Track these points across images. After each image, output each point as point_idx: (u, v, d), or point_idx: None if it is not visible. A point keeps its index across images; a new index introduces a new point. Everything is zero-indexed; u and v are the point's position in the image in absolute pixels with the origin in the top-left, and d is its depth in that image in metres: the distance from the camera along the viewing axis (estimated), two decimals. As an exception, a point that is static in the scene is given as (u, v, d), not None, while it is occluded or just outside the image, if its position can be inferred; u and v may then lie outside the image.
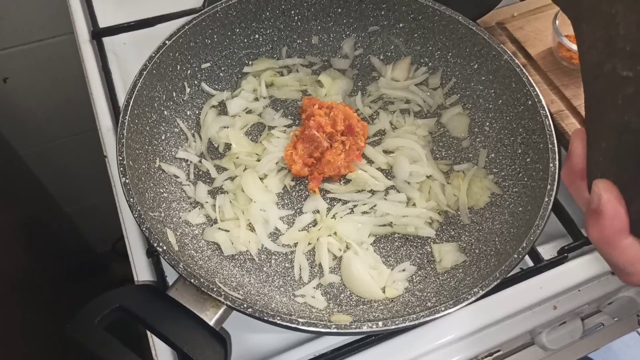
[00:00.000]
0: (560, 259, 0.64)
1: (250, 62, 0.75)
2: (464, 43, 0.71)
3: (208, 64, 0.71)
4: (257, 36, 0.74)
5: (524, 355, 0.77)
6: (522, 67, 0.65)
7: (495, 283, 0.50)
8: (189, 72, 0.69)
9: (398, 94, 0.75)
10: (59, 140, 1.38)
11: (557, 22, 0.73)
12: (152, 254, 0.62)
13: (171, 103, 0.67)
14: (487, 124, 0.70)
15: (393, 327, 0.47)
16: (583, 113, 0.69)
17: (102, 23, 0.84)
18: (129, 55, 0.83)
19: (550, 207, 0.55)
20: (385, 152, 0.70)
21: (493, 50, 0.68)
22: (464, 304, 0.49)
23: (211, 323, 0.48)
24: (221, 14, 0.69)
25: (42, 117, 1.29)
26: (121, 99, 0.76)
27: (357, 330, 0.47)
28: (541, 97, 0.63)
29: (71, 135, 1.38)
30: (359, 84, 0.77)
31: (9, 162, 1.28)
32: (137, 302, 0.48)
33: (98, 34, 0.82)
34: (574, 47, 0.71)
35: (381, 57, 0.77)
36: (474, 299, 0.49)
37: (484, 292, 0.49)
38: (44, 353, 1.11)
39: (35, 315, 1.14)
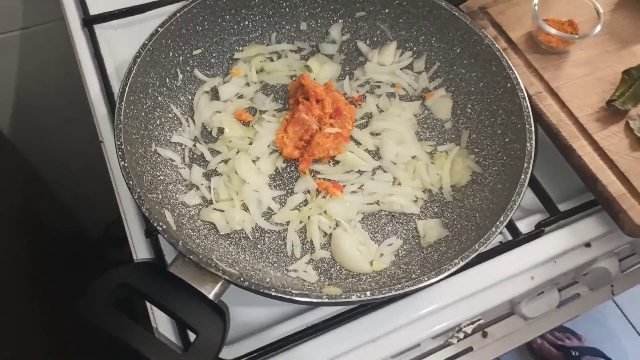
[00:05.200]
0: (537, 233, 0.68)
1: (240, 48, 0.77)
2: (447, 28, 0.74)
3: (199, 51, 0.73)
4: (246, 22, 0.76)
5: (505, 324, 0.82)
6: (502, 51, 0.68)
7: (474, 255, 0.54)
8: (181, 58, 0.71)
9: (384, 78, 0.78)
10: (50, 128, 1.38)
11: (536, 7, 0.76)
12: (150, 234, 0.65)
13: (165, 89, 0.70)
14: (469, 106, 0.73)
15: (380, 296, 0.51)
16: (561, 95, 0.73)
17: (93, 10, 0.85)
18: (121, 42, 0.85)
19: (526, 183, 0.58)
20: (372, 134, 0.73)
21: (474, 35, 0.71)
22: (445, 274, 0.52)
23: (210, 296, 0.51)
24: (211, 1, 0.71)
25: (32, 104, 1.29)
26: (114, 85, 0.77)
27: (347, 300, 0.50)
28: (519, 80, 0.66)
29: (62, 122, 1.39)
30: (347, 69, 0.79)
31: (2, 151, 1.29)
32: (140, 279, 0.51)
33: (89, 22, 0.83)
34: (553, 31, 0.74)
35: (368, 42, 0.80)
36: (454, 269, 0.53)
37: (464, 263, 0.53)
38: (43, 340, 1.13)
39: (33, 303, 1.16)
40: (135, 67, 0.63)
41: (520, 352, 1.62)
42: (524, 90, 0.66)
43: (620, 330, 1.73)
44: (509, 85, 0.67)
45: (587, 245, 0.71)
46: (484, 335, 0.80)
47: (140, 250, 0.66)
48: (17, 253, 1.17)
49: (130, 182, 0.55)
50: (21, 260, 1.18)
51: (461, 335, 0.71)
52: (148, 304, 0.59)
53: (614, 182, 0.66)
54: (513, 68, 0.67)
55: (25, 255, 1.21)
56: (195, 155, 0.70)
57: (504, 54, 0.68)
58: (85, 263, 1.59)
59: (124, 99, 0.61)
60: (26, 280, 1.17)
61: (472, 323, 0.69)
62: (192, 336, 0.55)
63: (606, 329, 1.72)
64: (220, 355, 0.53)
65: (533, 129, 0.63)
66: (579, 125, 0.71)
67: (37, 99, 1.28)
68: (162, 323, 0.60)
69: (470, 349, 0.79)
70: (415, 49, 0.78)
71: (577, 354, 1.55)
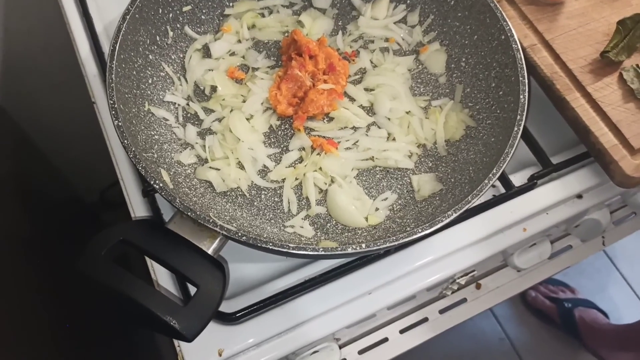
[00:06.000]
0: (530, 185, 0.69)
1: (231, 4, 0.76)
2: (441, -21, 0.72)
3: (189, 7, 0.72)
4: (236, -23, 0.75)
5: (498, 275, 0.84)
6: (496, 3, 0.68)
7: (467, 207, 0.54)
8: (170, 15, 0.70)
9: (378, 33, 0.77)
10: (41, 92, 1.37)
11: (531, -44, 0.75)
12: (147, 193, 0.66)
13: (155, 47, 0.69)
14: (463, 59, 0.73)
15: (375, 248, 0.52)
16: (555, 47, 0.72)
17: (78, -33, 0.83)
18: (109, 0, 0.83)
19: (519, 136, 0.59)
20: (366, 89, 0.73)
21: (468, -14, 0.69)
22: (438, 226, 0.53)
23: (209, 252, 0.52)
24: (200, -45, 0.69)
25: (21, 67, 1.27)
26: (104, 44, 0.76)
27: (343, 252, 0.52)
28: (514, 31, 0.66)
29: (53, 87, 1.37)
30: (340, 24, 0.78)
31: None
32: (139, 235, 0.51)
33: (75, -21, 0.81)
34: (548, -19, 0.73)
35: (360, -4, 0.78)
36: (447, 221, 0.54)
37: (457, 214, 0.54)
38: (39, 305, 1.14)
39: (28, 267, 1.17)
40: (124, 25, 0.62)
41: (514, 304, 1.67)
42: (518, 42, 0.65)
43: (612, 283, 1.77)
44: (502, 37, 0.66)
45: (579, 196, 0.72)
46: (478, 287, 0.82)
47: (138, 210, 0.67)
48: (10, 218, 1.17)
49: (125, 141, 0.55)
50: (14, 225, 1.18)
51: (455, 287, 0.73)
52: (148, 260, 0.60)
53: (606, 133, 0.67)
54: (507, 19, 0.66)
55: (19, 220, 1.22)
56: (189, 114, 0.70)
57: (497, 5, 0.67)
58: (81, 227, 1.61)
59: (115, 57, 0.60)
60: (20, 244, 1.17)
61: (466, 275, 0.71)
62: (192, 290, 0.56)
63: (598, 281, 1.76)
64: (220, 309, 0.55)
65: (526, 81, 0.63)
66: (572, 77, 0.70)
67: (26, 61, 1.26)
68: (162, 277, 0.61)
69: (464, 300, 0.81)
70: (408, 1, 0.77)
71: (570, 305, 1.60)
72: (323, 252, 0.51)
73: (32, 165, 1.47)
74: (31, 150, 1.46)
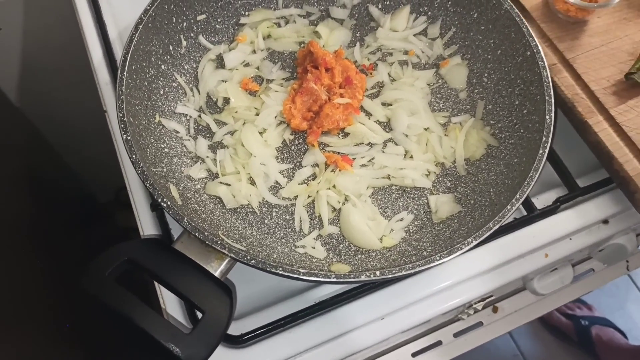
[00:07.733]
0: (553, 209, 0.66)
1: (246, 13, 0.74)
2: (464, -9, 0.70)
3: (204, 16, 0.70)
4: (253, -15, 0.73)
5: (516, 299, 0.81)
6: (521, 17, 0.65)
7: (488, 233, 0.52)
8: (184, 24, 0.68)
9: (397, 45, 0.74)
10: (57, 91, 1.37)
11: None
12: (156, 207, 0.64)
13: (168, 57, 0.67)
14: (486, 74, 0.70)
15: (390, 276, 0.49)
16: (576, 67, 0.69)
17: (94, -28, 0.81)
18: (123, 6, 0.81)
19: (544, 159, 0.56)
20: (384, 104, 0.71)
21: (493, -1, 0.67)
22: (457, 254, 0.51)
23: (216, 274, 0.50)
24: (216, -37, 0.67)
25: (38, 67, 1.27)
26: (117, 51, 0.75)
27: (356, 279, 0.49)
28: (540, 48, 0.63)
29: (68, 86, 1.37)
30: (357, 35, 0.76)
31: (6, 114, 1.28)
32: (145, 255, 0.50)
33: (90, -16, 0.80)
34: (573, -1, 0.70)
35: (380, 7, 0.76)
36: (467, 248, 0.51)
37: (477, 242, 0.51)
38: (50, 299, 1.14)
39: (41, 264, 1.17)
40: (137, 35, 0.60)
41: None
42: (544, 59, 0.62)
43: (631, 301, 1.72)
44: (528, 53, 0.64)
45: (605, 222, 0.68)
46: (495, 310, 0.79)
47: (146, 223, 0.65)
48: (20, 214, 1.17)
49: (134, 156, 0.54)
50: (24, 222, 1.18)
51: (471, 311, 0.70)
52: (156, 283, 0.58)
53: (631, 160, 0.63)
54: (533, 35, 0.64)
55: (29, 217, 1.21)
56: (200, 127, 0.68)
57: (523, 20, 0.65)
58: (94, 226, 1.61)
59: (126, 68, 0.59)
60: (28, 242, 1.17)
61: (483, 300, 0.68)
62: (199, 314, 0.54)
63: (617, 298, 1.71)
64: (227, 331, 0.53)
65: (553, 100, 0.60)
66: (594, 99, 0.67)
67: (41, 62, 1.26)
68: (169, 299, 0.59)
69: (480, 324, 0.78)
70: (429, 13, 0.74)
71: (586, 323, 1.55)
72: (335, 279, 0.49)
73: (45, 162, 1.48)
74: (44, 148, 1.46)
